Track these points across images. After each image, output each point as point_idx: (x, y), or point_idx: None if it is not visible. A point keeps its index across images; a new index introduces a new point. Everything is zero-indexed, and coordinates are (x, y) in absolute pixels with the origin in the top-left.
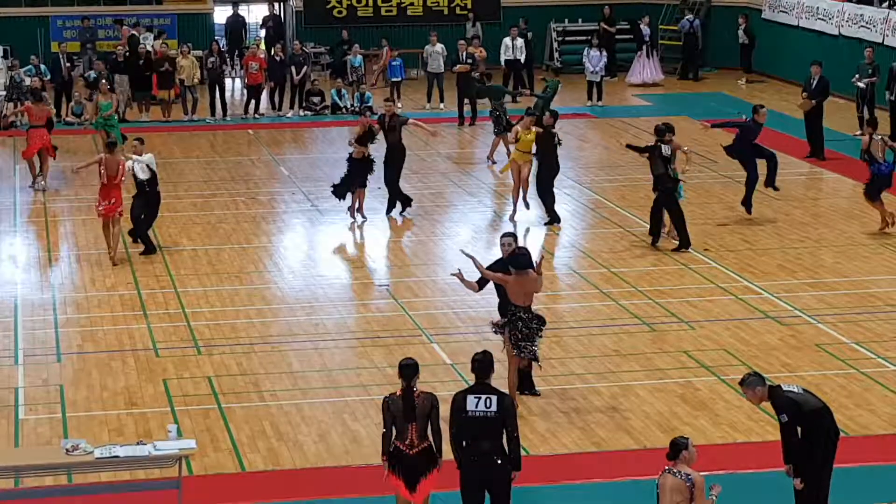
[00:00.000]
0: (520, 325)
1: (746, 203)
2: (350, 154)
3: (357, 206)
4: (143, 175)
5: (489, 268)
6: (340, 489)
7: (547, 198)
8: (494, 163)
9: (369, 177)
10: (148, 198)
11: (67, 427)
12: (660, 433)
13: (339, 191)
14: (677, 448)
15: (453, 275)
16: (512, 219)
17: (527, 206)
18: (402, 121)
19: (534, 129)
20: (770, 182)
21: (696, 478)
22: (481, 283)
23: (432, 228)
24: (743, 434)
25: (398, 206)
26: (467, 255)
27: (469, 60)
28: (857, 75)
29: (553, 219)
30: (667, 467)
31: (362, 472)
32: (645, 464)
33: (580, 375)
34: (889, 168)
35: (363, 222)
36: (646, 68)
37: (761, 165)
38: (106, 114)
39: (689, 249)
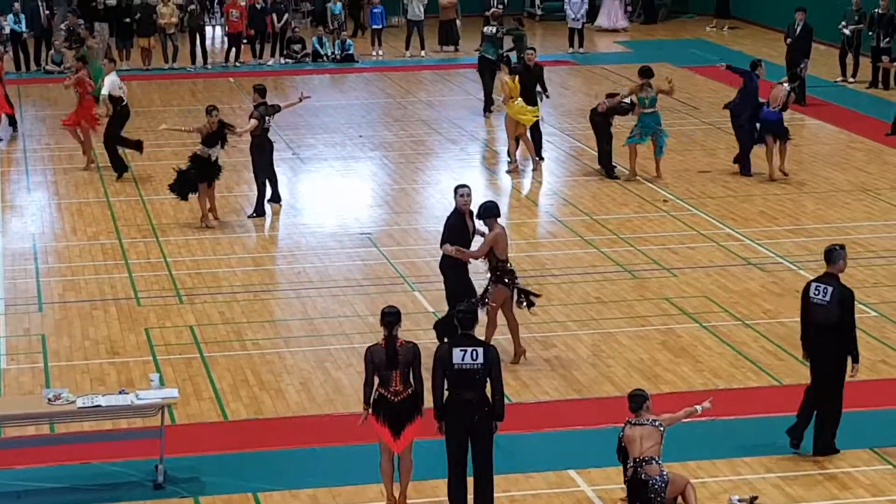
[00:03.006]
0: (513, 283)
1: (743, 164)
2: (195, 153)
3: (209, 206)
4: (117, 93)
5: (444, 240)
6: (323, 438)
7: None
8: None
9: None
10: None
11: (49, 376)
12: (641, 380)
13: (181, 190)
14: (641, 399)
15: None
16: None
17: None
18: (275, 109)
19: (507, 77)
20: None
21: (662, 419)
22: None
23: (414, 176)
24: (724, 380)
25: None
26: (451, 253)
27: None
28: (843, 22)
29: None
30: (629, 420)
31: (345, 420)
32: (626, 411)
33: (562, 323)
34: (775, 115)
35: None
36: (612, 13)
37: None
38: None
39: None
